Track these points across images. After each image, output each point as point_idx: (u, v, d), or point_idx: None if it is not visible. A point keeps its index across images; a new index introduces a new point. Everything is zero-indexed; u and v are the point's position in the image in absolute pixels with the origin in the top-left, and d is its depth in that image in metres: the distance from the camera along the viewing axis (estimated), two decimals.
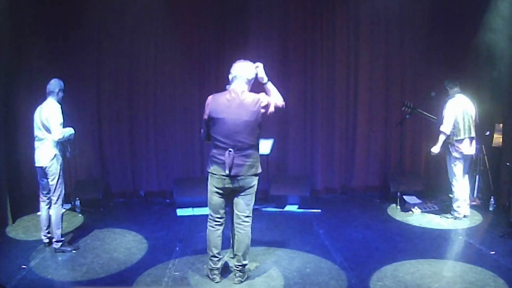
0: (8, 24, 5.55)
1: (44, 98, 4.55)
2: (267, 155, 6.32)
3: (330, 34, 6.72)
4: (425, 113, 5.82)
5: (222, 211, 3.83)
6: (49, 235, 4.66)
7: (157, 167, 6.76)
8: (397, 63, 6.84)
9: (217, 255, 3.85)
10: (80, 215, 5.87)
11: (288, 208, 6.20)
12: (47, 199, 4.62)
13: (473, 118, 5.43)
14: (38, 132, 4.49)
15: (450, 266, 4.26)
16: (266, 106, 3.71)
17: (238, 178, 3.67)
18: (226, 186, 3.70)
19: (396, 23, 6.72)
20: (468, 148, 5.41)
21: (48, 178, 4.51)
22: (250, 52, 6.62)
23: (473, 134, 5.40)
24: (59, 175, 4.51)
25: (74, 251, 4.58)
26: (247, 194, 3.78)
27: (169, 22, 6.42)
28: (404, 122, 6.09)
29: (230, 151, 3.61)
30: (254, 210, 6.09)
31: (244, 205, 3.79)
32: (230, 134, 3.62)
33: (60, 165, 4.52)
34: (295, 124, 6.83)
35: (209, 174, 3.77)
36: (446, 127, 5.34)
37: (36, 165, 4.55)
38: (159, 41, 6.50)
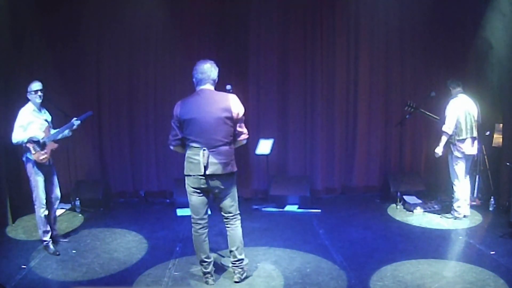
0: (8, 25, 5.55)
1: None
2: (267, 155, 6.32)
3: (330, 34, 6.71)
4: (428, 113, 5.82)
5: (202, 211, 3.79)
6: (50, 233, 4.66)
7: (157, 167, 6.77)
8: (397, 63, 6.83)
9: (205, 259, 3.84)
10: (80, 215, 5.87)
11: (288, 208, 6.19)
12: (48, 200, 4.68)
13: (475, 118, 5.43)
14: None
15: (450, 266, 4.26)
16: (237, 106, 3.69)
17: (214, 177, 3.65)
18: (202, 186, 3.68)
19: (396, 23, 6.71)
20: (470, 148, 5.41)
21: None
22: (251, 53, 6.65)
23: (475, 134, 5.40)
24: (29, 178, 4.53)
25: (58, 255, 4.52)
26: (228, 195, 3.76)
27: (169, 24, 6.42)
28: (404, 122, 6.10)
29: (204, 149, 3.61)
30: (254, 210, 6.11)
31: (228, 207, 3.80)
32: (202, 132, 3.62)
33: (30, 167, 4.49)
34: (295, 124, 6.82)
35: (185, 176, 3.74)
36: (448, 127, 5.34)
37: None
38: (159, 42, 6.50)
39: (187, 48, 6.53)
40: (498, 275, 3.92)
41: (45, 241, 4.59)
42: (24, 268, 4.19)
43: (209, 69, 3.75)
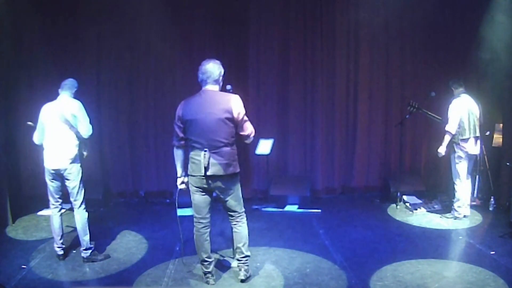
0: (8, 23, 5.55)
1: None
2: (267, 155, 6.32)
3: (330, 33, 6.71)
4: (430, 113, 5.81)
5: (205, 210, 3.79)
6: (63, 246, 4.43)
7: (157, 167, 6.76)
8: (397, 64, 6.83)
9: (207, 259, 3.84)
10: None
11: (288, 208, 6.19)
12: (59, 204, 4.38)
13: (478, 118, 5.44)
14: (55, 130, 4.17)
15: (450, 266, 4.26)
16: (238, 107, 3.65)
17: (216, 178, 3.65)
18: (204, 186, 3.69)
19: (397, 23, 6.71)
20: (473, 147, 5.41)
21: (67, 180, 4.26)
22: (251, 53, 6.65)
23: (478, 134, 5.41)
24: (81, 177, 4.32)
25: (105, 260, 4.39)
26: (231, 195, 3.77)
27: (169, 23, 6.41)
28: (404, 122, 6.09)
29: (205, 151, 3.60)
30: (254, 210, 6.10)
31: (232, 206, 3.81)
32: (204, 133, 3.61)
33: (80, 166, 4.34)
34: (295, 124, 6.82)
35: (189, 176, 3.75)
36: (451, 127, 5.34)
37: (51, 167, 4.19)
38: (159, 41, 6.48)
39: (187, 47, 6.53)
40: (498, 275, 3.93)
41: (92, 248, 4.40)
42: (24, 268, 4.19)
43: (211, 69, 3.70)
